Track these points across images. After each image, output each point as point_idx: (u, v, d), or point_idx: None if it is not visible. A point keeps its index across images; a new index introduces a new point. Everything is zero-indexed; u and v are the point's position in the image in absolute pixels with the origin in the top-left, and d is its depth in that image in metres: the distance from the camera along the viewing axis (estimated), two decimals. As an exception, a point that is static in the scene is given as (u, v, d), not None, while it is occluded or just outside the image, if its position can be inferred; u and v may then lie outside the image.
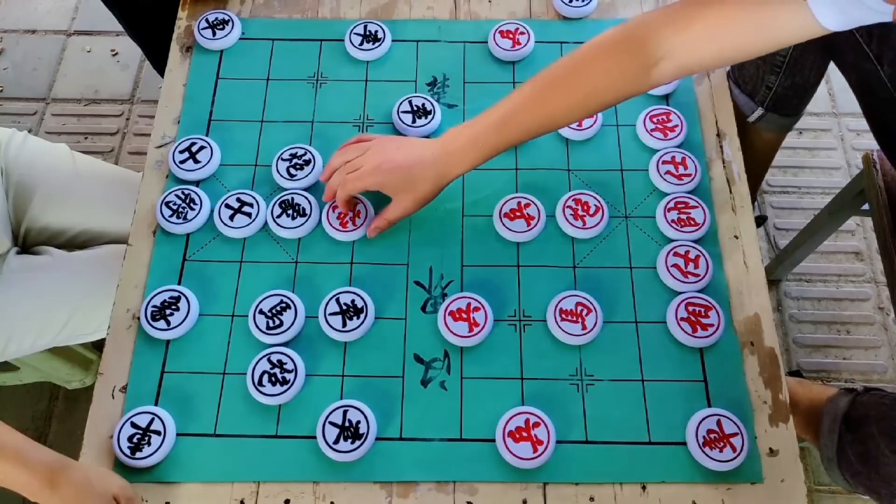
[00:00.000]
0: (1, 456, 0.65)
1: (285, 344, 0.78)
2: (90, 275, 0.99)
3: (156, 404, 0.75)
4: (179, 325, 0.78)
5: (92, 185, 1.06)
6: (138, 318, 0.79)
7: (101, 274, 0.99)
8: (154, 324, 0.78)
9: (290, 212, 0.84)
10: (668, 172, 0.86)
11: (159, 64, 1.28)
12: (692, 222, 0.83)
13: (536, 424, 0.72)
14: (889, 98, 0.91)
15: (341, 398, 0.75)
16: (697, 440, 0.72)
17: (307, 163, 0.87)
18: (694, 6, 0.69)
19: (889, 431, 0.87)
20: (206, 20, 0.97)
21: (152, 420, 0.73)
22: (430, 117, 0.90)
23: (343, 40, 0.97)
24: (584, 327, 0.77)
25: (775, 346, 0.78)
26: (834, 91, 1.74)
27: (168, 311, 0.78)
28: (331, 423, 0.73)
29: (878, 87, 0.91)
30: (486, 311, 0.78)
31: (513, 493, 0.72)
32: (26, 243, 1.04)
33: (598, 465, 0.72)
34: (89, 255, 1.02)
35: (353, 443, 0.72)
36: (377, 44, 0.96)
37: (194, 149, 0.88)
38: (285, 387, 0.74)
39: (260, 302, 0.79)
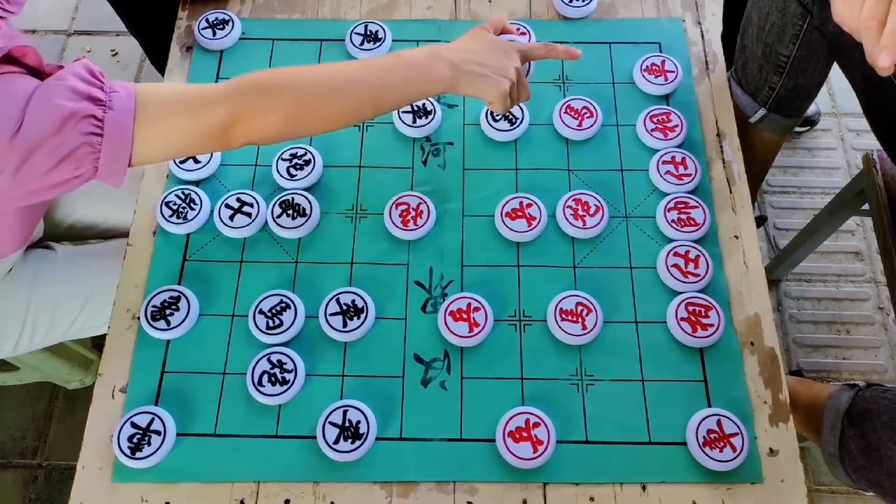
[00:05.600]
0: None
1: (285, 344, 0.78)
2: (102, 267, 1.00)
3: (156, 404, 0.75)
4: (179, 325, 0.78)
5: None
6: (138, 318, 0.79)
7: (112, 266, 1.00)
8: (154, 324, 0.78)
9: (290, 212, 0.84)
10: (668, 172, 0.86)
11: (160, 63, 1.27)
12: (692, 222, 0.83)
13: (536, 424, 0.72)
14: (895, 96, 0.90)
15: (341, 398, 0.75)
16: (697, 440, 0.72)
17: (307, 163, 0.87)
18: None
19: (892, 424, 0.87)
20: (207, 20, 0.97)
21: (152, 420, 0.73)
22: (430, 117, 0.90)
23: (343, 40, 0.97)
24: (584, 327, 0.77)
25: (775, 346, 0.78)
26: (834, 91, 1.74)
27: (168, 311, 0.78)
28: (331, 423, 0.73)
29: (884, 83, 0.91)
30: (486, 311, 0.78)
31: (513, 493, 0.72)
32: (52, 237, 1.05)
33: (598, 465, 0.72)
34: (101, 247, 1.04)
35: (353, 443, 0.72)
36: (377, 44, 0.96)
37: (194, 149, 0.88)
38: (285, 387, 0.74)
39: (260, 302, 0.79)
